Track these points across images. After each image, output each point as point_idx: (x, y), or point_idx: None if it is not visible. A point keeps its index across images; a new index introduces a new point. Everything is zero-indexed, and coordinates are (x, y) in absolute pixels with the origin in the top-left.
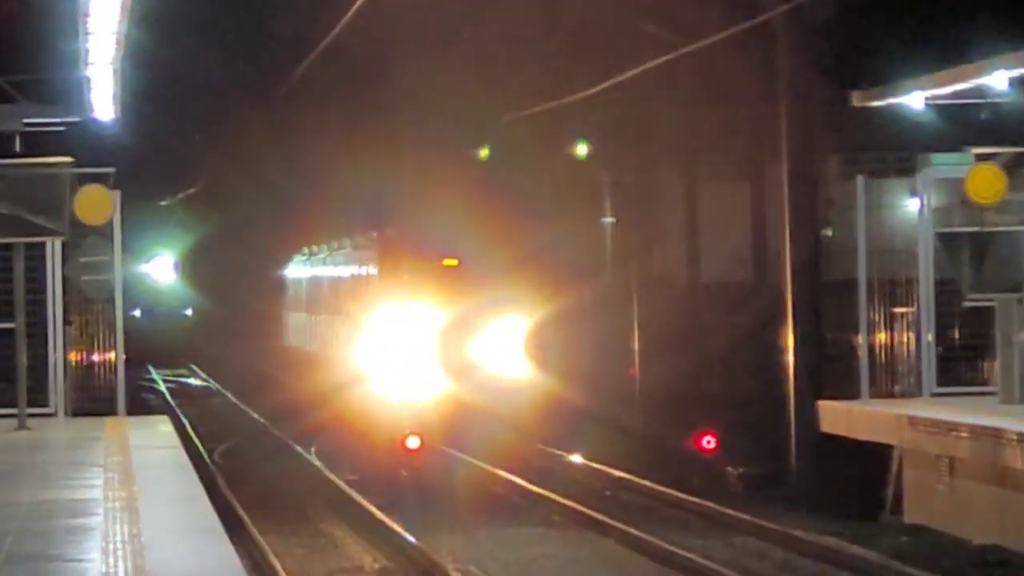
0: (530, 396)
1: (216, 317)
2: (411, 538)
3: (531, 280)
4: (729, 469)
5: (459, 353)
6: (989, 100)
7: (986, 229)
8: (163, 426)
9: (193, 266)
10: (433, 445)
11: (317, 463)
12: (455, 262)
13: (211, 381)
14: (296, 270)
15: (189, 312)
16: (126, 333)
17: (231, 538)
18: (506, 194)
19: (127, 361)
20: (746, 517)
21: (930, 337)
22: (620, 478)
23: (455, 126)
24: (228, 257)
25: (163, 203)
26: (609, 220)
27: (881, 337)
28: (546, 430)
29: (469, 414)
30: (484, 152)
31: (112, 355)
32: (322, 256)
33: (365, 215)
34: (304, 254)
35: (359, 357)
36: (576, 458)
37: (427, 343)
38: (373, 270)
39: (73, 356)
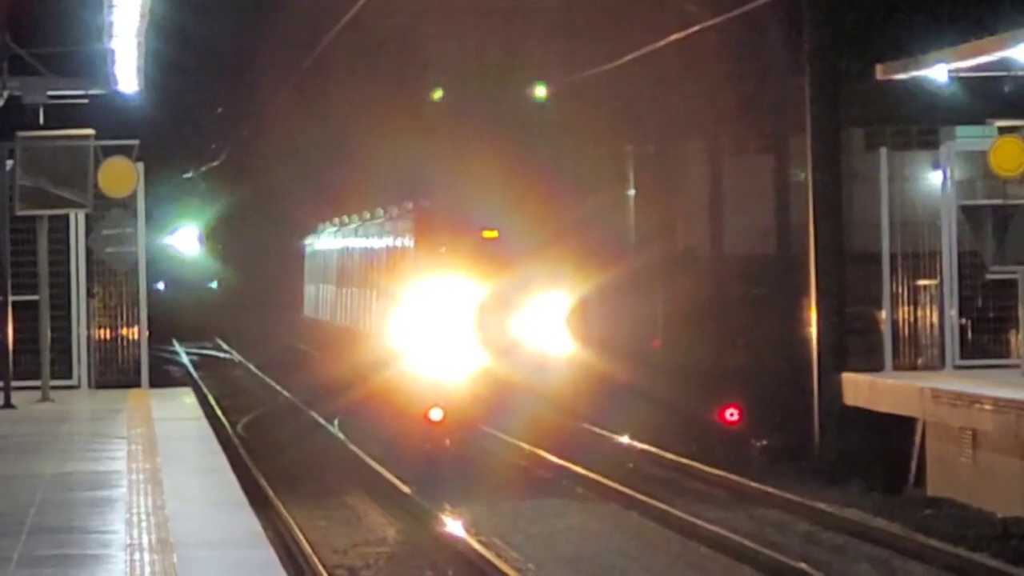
0: (567, 371)
1: (243, 290)
2: (434, 510)
3: (575, 252)
4: (752, 441)
5: (498, 328)
6: (1012, 73)
7: (1009, 202)
8: (186, 398)
9: (219, 238)
10: (460, 419)
11: (340, 436)
12: (495, 234)
13: (238, 356)
14: (325, 242)
15: (214, 285)
16: (150, 307)
17: (254, 510)
18: (548, 162)
19: (150, 336)
20: (769, 489)
21: (953, 310)
22: (643, 450)
23: (491, 92)
24: (255, 229)
25: (187, 175)
26: (632, 192)
27: (904, 310)
28: (577, 404)
29: (500, 388)
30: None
31: (135, 327)
32: (353, 227)
33: (400, 185)
34: (334, 225)
35: (392, 331)
36: (601, 431)
37: (464, 318)
38: (409, 242)
39: (96, 328)
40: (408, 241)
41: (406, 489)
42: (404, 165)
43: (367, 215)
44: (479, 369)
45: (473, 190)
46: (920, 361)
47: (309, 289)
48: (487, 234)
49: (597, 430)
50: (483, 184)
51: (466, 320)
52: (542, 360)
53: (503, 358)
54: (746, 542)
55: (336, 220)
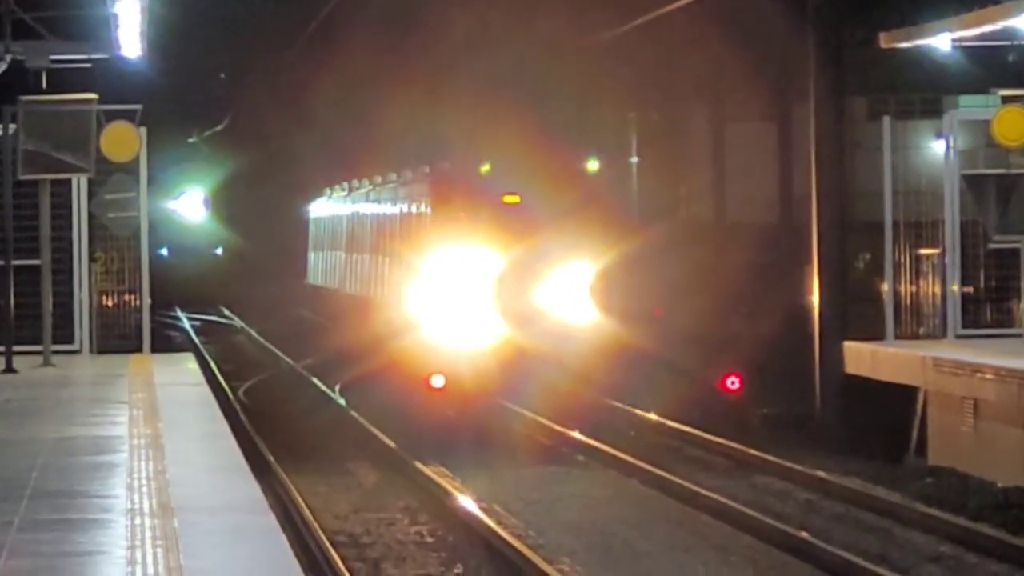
0: (578, 340)
1: (248, 256)
2: (435, 477)
3: (599, 219)
4: (753, 409)
5: (517, 297)
6: (1016, 42)
7: (1012, 171)
8: (188, 363)
9: (224, 203)
10: (463, 386)
11: (342, 402)
12: (517, 199)
13: (245, 325)
14: (331, 207)
15: (220, 251)
16: (153, 274)
17: (255, 475)
18: (572, 124)
19: (153, 303)
20: (770, 458)
21: (955, 279)
22: (645, 418)
23: (509, 53)
24: (259, 194)
25: (191, 140)
26: (635, 160)
27: (906, 279)
28: (582, 373)
29: (508, 356)
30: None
31: (137, 292)
32: (364, 192)
33: (415, 147)
34: (342, 190)
35: (405, 299)
36: (603, 399)
37: (481, 285)
38: (426, 207)
39: (98, 293)
40: (425, 206)
41: (406, 456)
42: (419, 127)
43: (379, 179)
44: (489, 337)
45: (494, 153)
46: (922, 330)
47: (315, 256)
48: (508, 199)
49: (600, 398)
50: (505, 147)
51: (483, 288)
52: (556, 329)
53: (521, 327)
54: (746, 510)
55: (344, 185)
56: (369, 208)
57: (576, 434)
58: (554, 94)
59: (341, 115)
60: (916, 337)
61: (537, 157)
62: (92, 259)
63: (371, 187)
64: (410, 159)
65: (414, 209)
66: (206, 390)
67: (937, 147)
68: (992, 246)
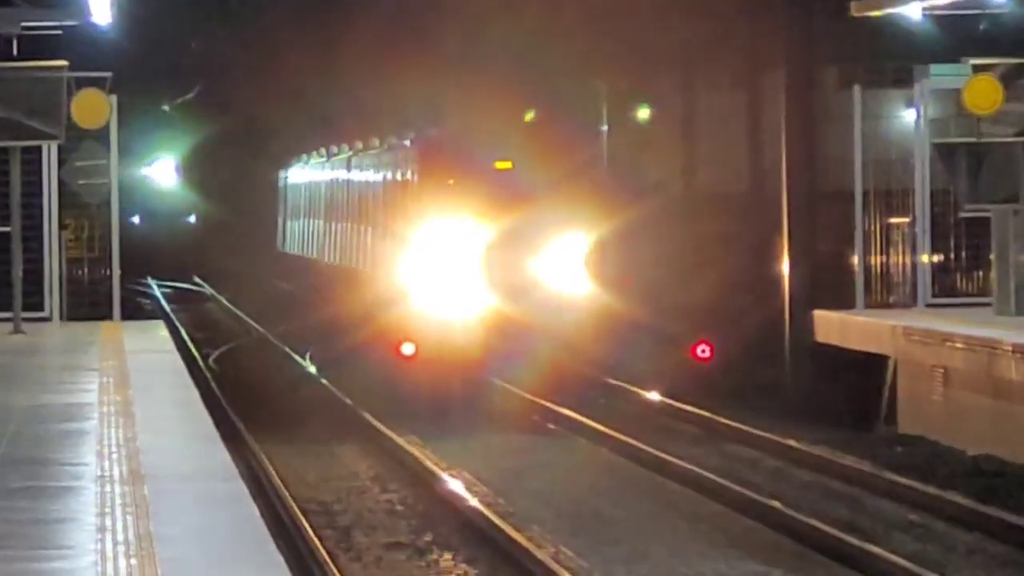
0: (560, 311)
1: (223, 224)
2: (406, 445)
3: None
4: (724, 378)
5: (508, 267)
6: (987, 11)
7: (983, 140)
8: (159, 331)
9: (197, 170)
10: (435, 355)
11: (312, 370)
12: (509, 165)
13: (224, 297)
14: (307, 174)
15: (192, 219)
16: (123, 243)
17: (225, 443)
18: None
19: (124, 273)
20: (740, 426)
21: (925, 248)
22: (615, 386)
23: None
24: (232, 160)
25: (164, 107)
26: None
27: (876, 248)
28: (553, 342)
29: (487, 326)
30: None
31: (108, 260)
32: (343, 158)
33: (399, 113)
34: (320, 156)
35: (387, 269)
36: (574, 367)
37: (468, 255)
38: (412, 174)
39: (68, 261)
40: (411, 173)
41: (377, 424)
42: (403, 91)
43: (360, 145)
44: (461, 306)
45: (484, 117)
46: (892, 299)
47: (291, 224)
48: (500, 165)
49: (572, 367)
50: (496, 110)
51: (465, 257)
52: (533, 298)
53: (500, 297)
54: (716, 478)
55: (322, 151)
56: (349, 175)
57: (547, 403)
58: (541, 59)
59: (318, 79)
60: (886, 306)
61: (530, 122)
62: (62, 226)
63: (352, 153)
64: (394, 124)
65: (399, 176)
66: (176, 358)
67: (908, 116)
68: (963, 215)
